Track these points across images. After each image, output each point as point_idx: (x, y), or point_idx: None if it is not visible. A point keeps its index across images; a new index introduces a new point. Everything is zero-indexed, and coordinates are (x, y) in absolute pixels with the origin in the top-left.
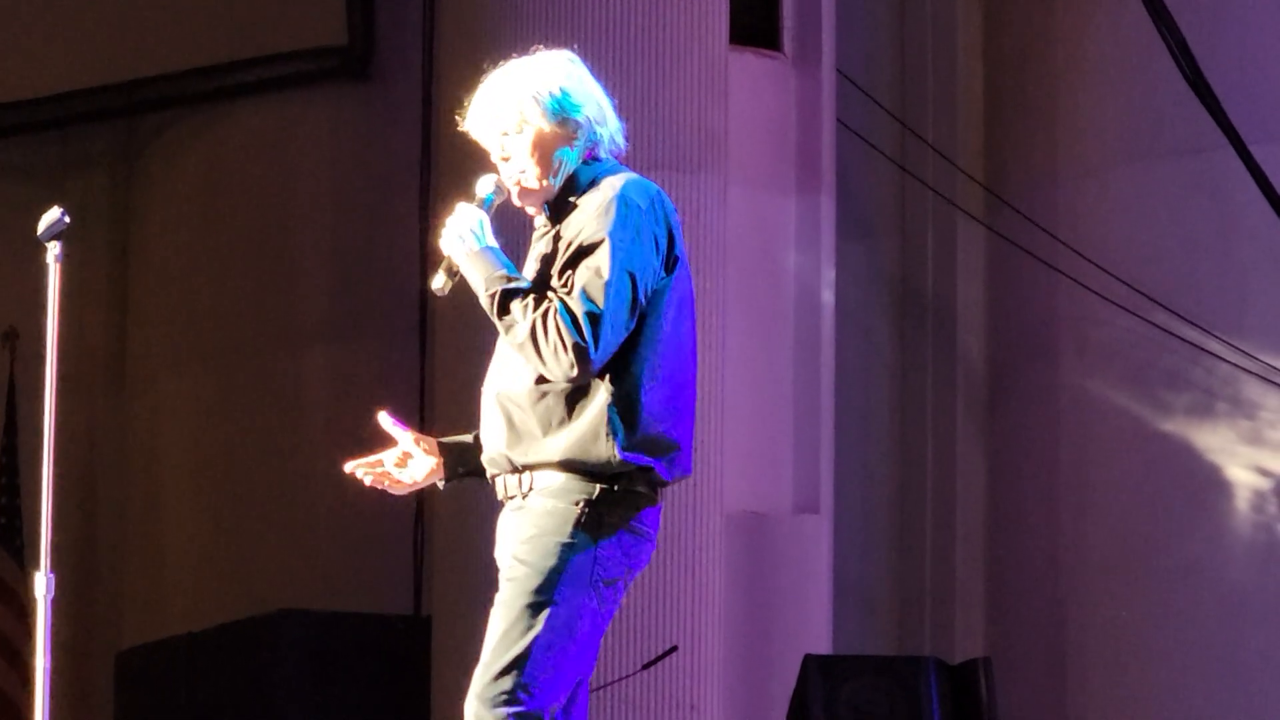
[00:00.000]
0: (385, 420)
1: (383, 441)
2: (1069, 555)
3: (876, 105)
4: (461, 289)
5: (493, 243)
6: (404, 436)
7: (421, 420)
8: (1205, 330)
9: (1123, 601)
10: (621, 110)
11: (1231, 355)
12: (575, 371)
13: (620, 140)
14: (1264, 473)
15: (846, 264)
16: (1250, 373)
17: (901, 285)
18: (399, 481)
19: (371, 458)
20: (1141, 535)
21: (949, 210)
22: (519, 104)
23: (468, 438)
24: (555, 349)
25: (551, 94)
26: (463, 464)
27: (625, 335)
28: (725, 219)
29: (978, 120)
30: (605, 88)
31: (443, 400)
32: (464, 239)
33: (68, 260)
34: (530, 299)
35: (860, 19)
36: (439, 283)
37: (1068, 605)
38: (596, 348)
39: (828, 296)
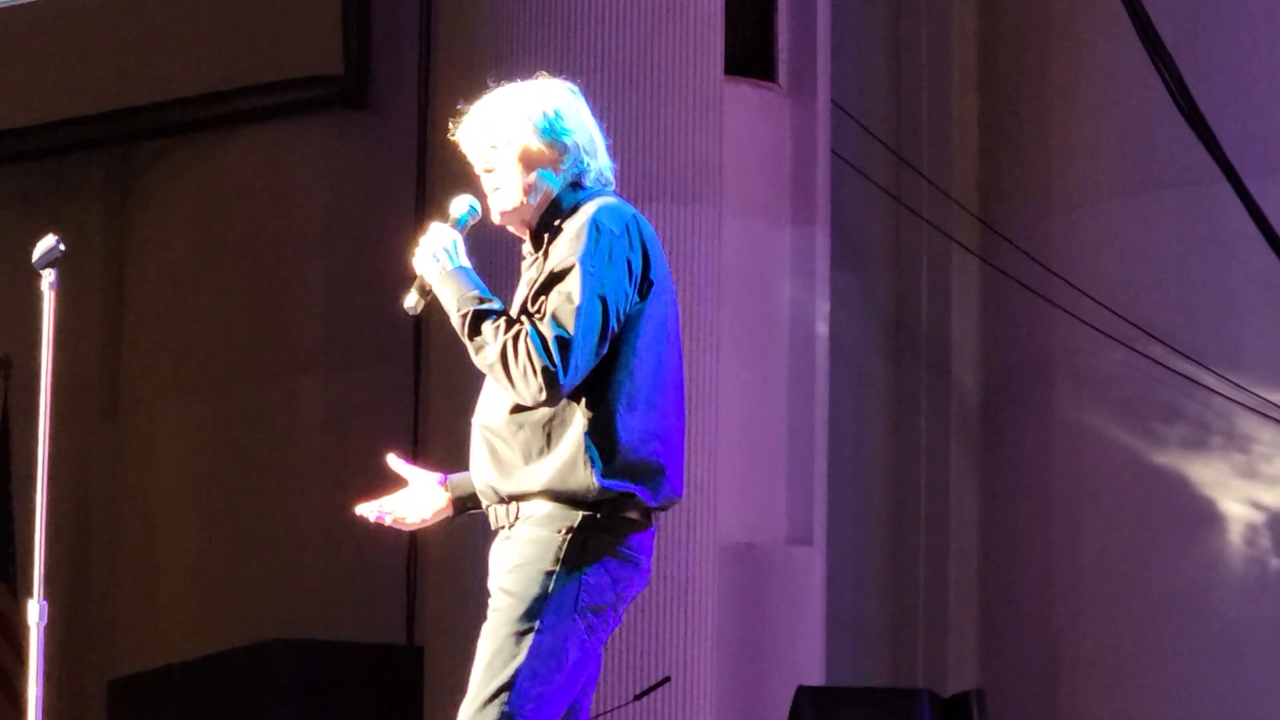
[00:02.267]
0: (394, 461)
1: (380, 475)
2: (1062, 587)
3: (871, 137)
4: (435, 309)
5: (466, 263)
6: (413, 474)
7: (415, 447)
8: (1199, 363)
9: (1116, 633)
10: (616, 140)
11: (1226, 388)
12: (544, 396)
13: (609, 177)
14: (1257, 506)
15: (841, 295)
16: (1244, 406)
17: (896, 317)
18: (407, 520)
19: (382, 499)
20: (1135, 567)
21: (943, 242)
22: (512, 118)
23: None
24: (525, 372)
25: (545, 114)
26: (471, 499)
27: (596, 361)
28: (720, 250)
29: (972, 152)
30: (601, 123)
31: (436, 428)
32: (438, 258)
33: (62, 287)
34: (502, 321)
35: (855, 51)
36: (411, 301)
37: (1061, 637)
38: (565, 373)
39: (822, 327)
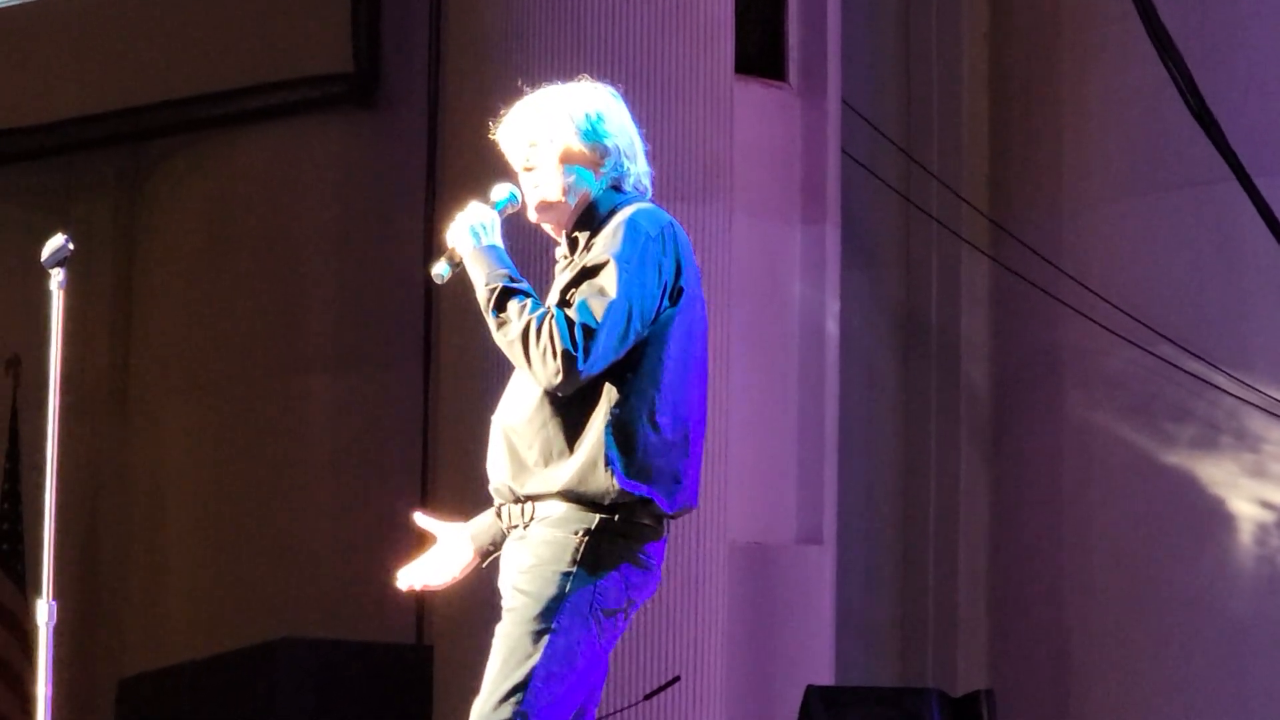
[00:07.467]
0: (421, 519)
1: (387, 472)
2: (1072, 586)
3: (881, 136)
4: (457, 300)
5: (499, 243)
6: (440, 529)
7: (425, 445)
8: (1209, 363)
9: (1126, 632)
10: None
11: (1235, 388)
12: (559, 379)
13: (646, 183)
14: (1267, 505)
15: (851, 294)
16: (1254, 405)
17: (906, 316)
18: (442, 583)
19: (416, 564)
20: (1145, 567)
21: (953, 241)
22: (554, 118)
23: (489, 515)
24: (545, 352)
25: (587, 115)
26: (493, 542)
27: (615, 357)
28: (730, 248)
29: (982, 151)
30: (642, 129)
31: (446, 428)
32: (475, 232)
33: (72, 286)
34: (529, 301)
35: (866, 50)
36: (440, 270)
37: (1070, 636)
38: (585, 359)
39: (832, 326)
